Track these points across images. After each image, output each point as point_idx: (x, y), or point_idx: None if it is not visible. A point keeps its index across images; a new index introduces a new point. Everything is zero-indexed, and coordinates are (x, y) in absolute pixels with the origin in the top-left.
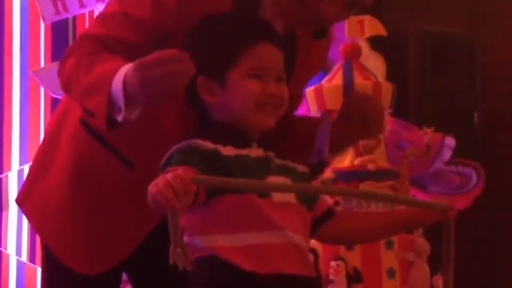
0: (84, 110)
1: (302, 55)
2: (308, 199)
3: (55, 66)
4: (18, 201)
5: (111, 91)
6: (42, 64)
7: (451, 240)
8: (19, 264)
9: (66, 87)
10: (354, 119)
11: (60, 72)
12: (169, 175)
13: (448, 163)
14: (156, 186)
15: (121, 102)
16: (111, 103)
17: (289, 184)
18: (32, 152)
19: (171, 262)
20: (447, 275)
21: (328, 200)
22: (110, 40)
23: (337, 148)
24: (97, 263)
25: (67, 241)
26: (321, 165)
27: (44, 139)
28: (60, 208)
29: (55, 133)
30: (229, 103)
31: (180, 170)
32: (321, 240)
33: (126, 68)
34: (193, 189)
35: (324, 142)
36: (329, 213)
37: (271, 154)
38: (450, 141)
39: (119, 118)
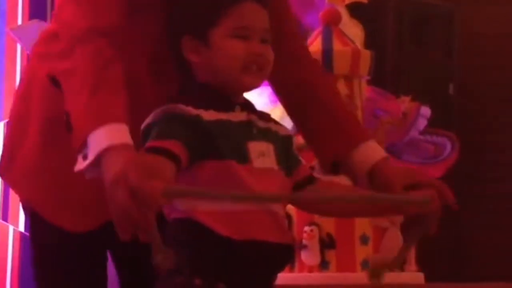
0: (65, 111)
1: None
2: (288, 165)
3: (32, 24)
4: (0, 172)
5: (88, 135)
6: (20, 21)
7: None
8: None
9: (64, 73)
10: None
11: (69, 51)
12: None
13: (423, 132)
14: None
15: (89, 157)
16: (83, 143)
17: (275, 194)
18: (8, 109)
19: (154, 264)
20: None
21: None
22: (108, 29)
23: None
24: (87, 219)
25: (53, 201)
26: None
27: (14, 104)
28: (41, 169)
29: (26, 97)
30: (214, 63)
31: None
32: (298, 205)
33: (116, 141)
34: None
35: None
36: (309, 180)
37: (254, 117)
38: (425, 111)
39: (79, 165)
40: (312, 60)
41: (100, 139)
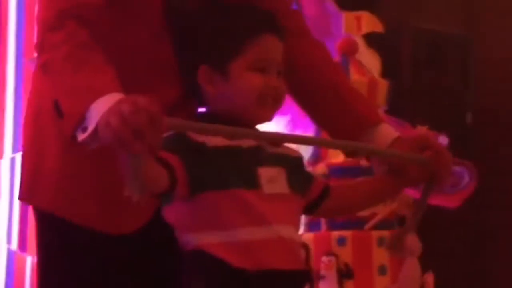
0: (54, 100)
1: None
2: (301, 186)
3: None
4: (23, 198)
5: (86, 111)
6: None
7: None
8: (9, 252)
9: (44, 66)
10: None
11: (42, 44)
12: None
13: None
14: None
15: (89, 128)
16: (81, 120)
17: (259, 131)
18: None
19: (126, 193)
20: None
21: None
22: (77, 9)
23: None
24: (124, 221)
25: (93, 208)
26: None
27: (26, 127)
28: (69, 178)
29: (35, 117)
30: (231, 95)
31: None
32: (324, 216)
33: (109, 105)
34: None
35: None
36: (324, 193)
37: (264, 142)
38: (443, 140)
39: (79, 137)
40: (316, 42)
41: (99, 108)
